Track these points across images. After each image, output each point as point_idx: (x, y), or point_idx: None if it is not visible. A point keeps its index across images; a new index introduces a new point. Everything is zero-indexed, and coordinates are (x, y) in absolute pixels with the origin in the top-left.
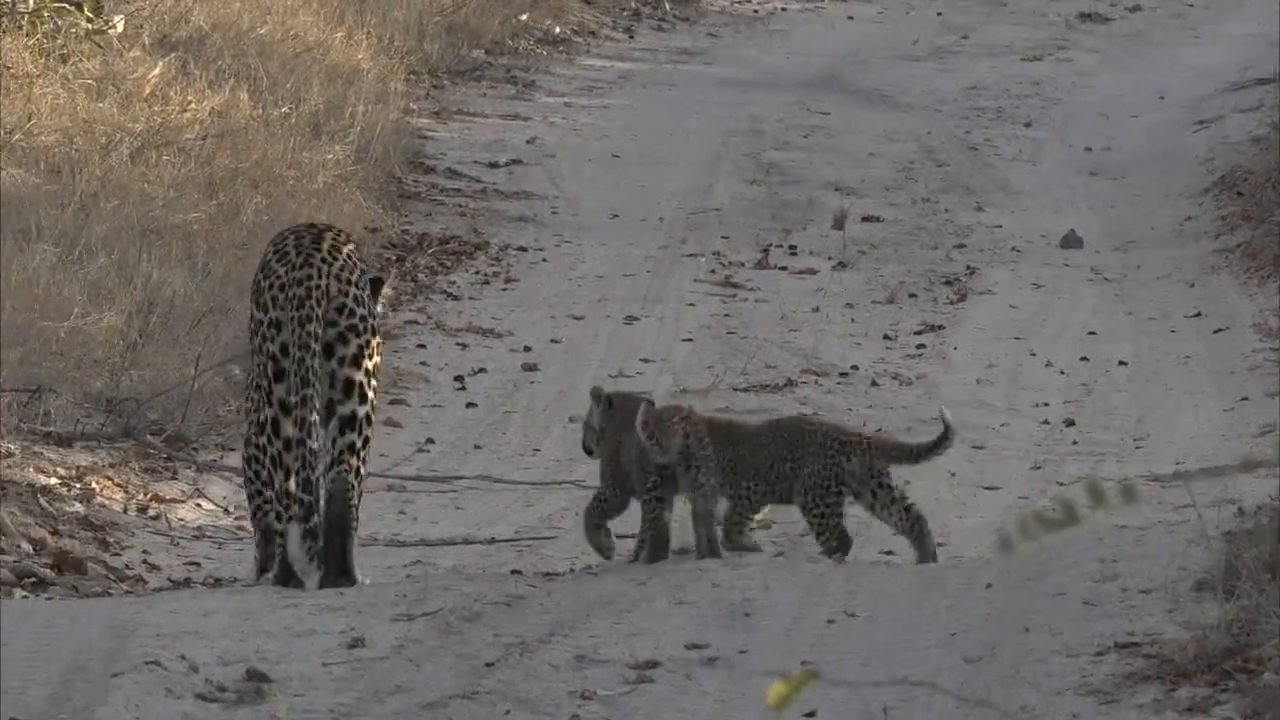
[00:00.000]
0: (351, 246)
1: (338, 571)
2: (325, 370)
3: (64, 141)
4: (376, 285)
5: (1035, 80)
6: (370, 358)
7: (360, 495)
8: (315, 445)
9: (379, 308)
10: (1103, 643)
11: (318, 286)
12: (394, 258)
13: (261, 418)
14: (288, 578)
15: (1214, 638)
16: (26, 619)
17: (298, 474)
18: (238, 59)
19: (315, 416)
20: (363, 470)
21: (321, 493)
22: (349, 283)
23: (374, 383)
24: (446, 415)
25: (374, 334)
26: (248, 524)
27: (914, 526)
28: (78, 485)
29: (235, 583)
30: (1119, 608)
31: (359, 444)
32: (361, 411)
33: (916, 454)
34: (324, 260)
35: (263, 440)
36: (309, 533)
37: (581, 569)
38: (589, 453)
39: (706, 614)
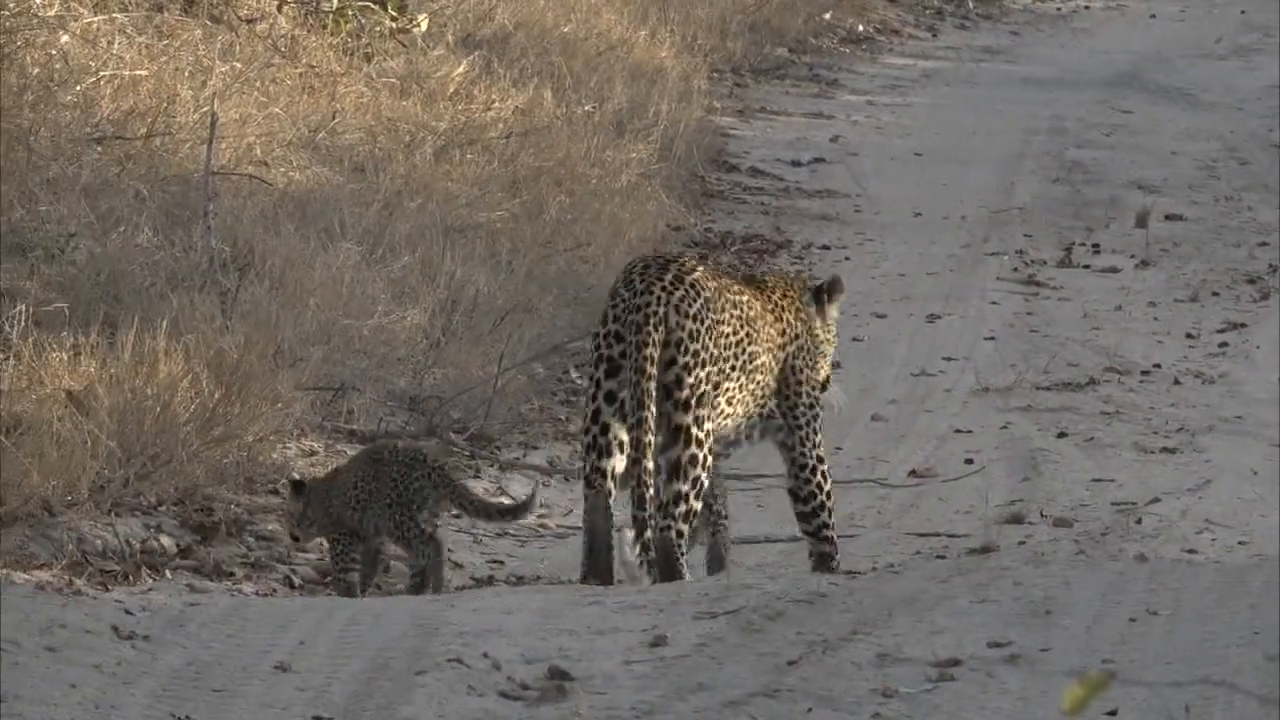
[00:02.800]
0: (697, 274)
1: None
2: (663, 410)
3: (368, 140)
4: (818, 295)
5: None
6: (705, 405)
7: (683, 535)
8: (649, 464)
9: (831, 316)
10: None
11: (655, 314)
12: (698, 256)
13: (585, 411)
14: (593, 574)
15: None
16: (330, 616)
17: (633, 491)
18: (541, 57)
19: (650, 438)
20: (688, 523)
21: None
22: (688, 317)
23: (812, 403)
24: None
25: (726, 372)
26: (550, 521)
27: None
28: None
29: (538, 580)
30: None
31: (686, 491)
32: (686, 455)
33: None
34: (665, 289)
35: (583, 428)
36: (644, 546)
37: (884, 567)
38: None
39: (1008, 612)
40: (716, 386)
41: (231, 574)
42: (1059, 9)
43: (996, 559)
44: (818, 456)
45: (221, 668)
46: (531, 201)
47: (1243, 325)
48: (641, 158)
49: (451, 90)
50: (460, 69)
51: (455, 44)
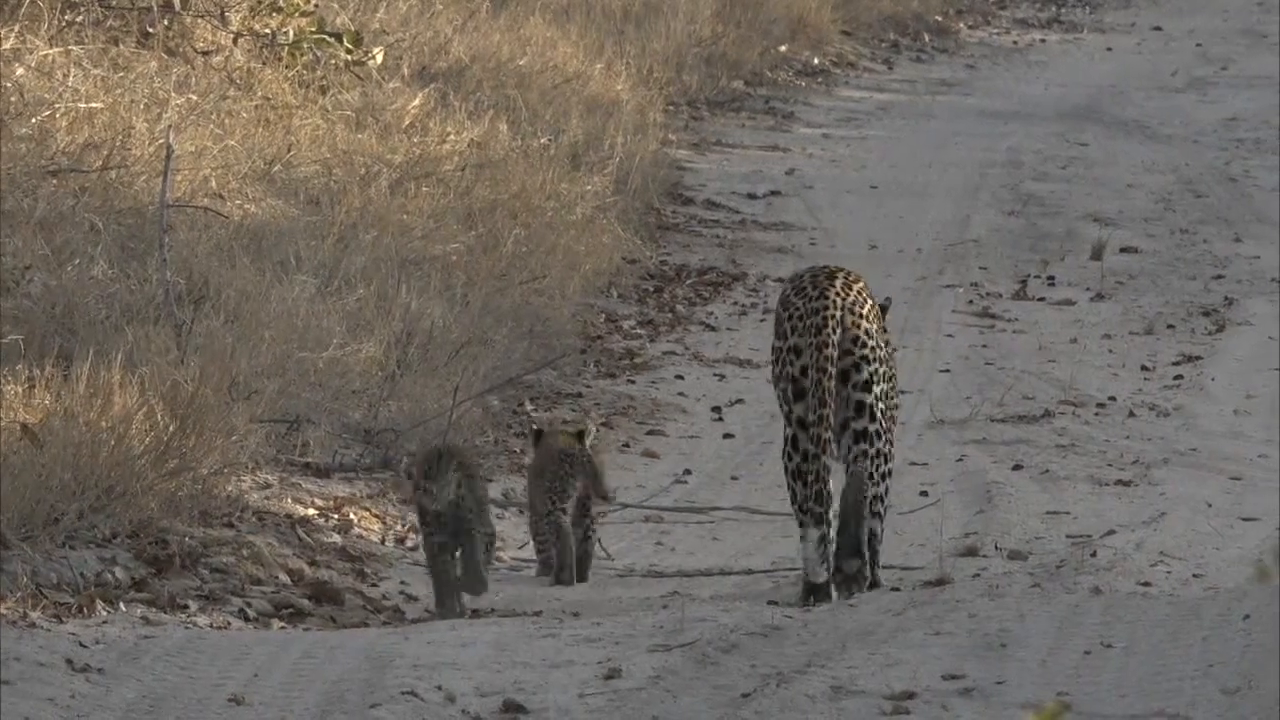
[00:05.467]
0: (861, 284)
1: (850, 551)
2: (841, 395)
3: (323, 172)
4: (883, 311)
5: None
6: (880, 383)
7: (879, 496)
8: (829, 461)
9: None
10: None
11: (833, 316)
12: (653, 288)
13: (785, 435)
14: (810, 589)
15: None
16: (285, 650)
17: (810, 485)
18: (497, 90)
19: (829, 434)
20: (881, 470)
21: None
22: (861, 316)
23: (893, 400)
24: (704, 446)
25: (884, 362)
26: (505, 555)
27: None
28: (335, 516)
29: (493, 613)
30: None
31: (872, 452)
32: (873, 428)
33: None
34: (838, 294)
35: (785, 456)
36: (821, 539)
37: (838, 600)
38: None
39: (963, 645)
40: (879, 382)
41: (186, 606)
42: (1015, 42)
43: (951, 591)
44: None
45: (176, 700)
46: (487, 234)
47: (1198, 358)
48: (597, 190)
49: (407, 123)
50: (416, 101)
51: (411, 77)
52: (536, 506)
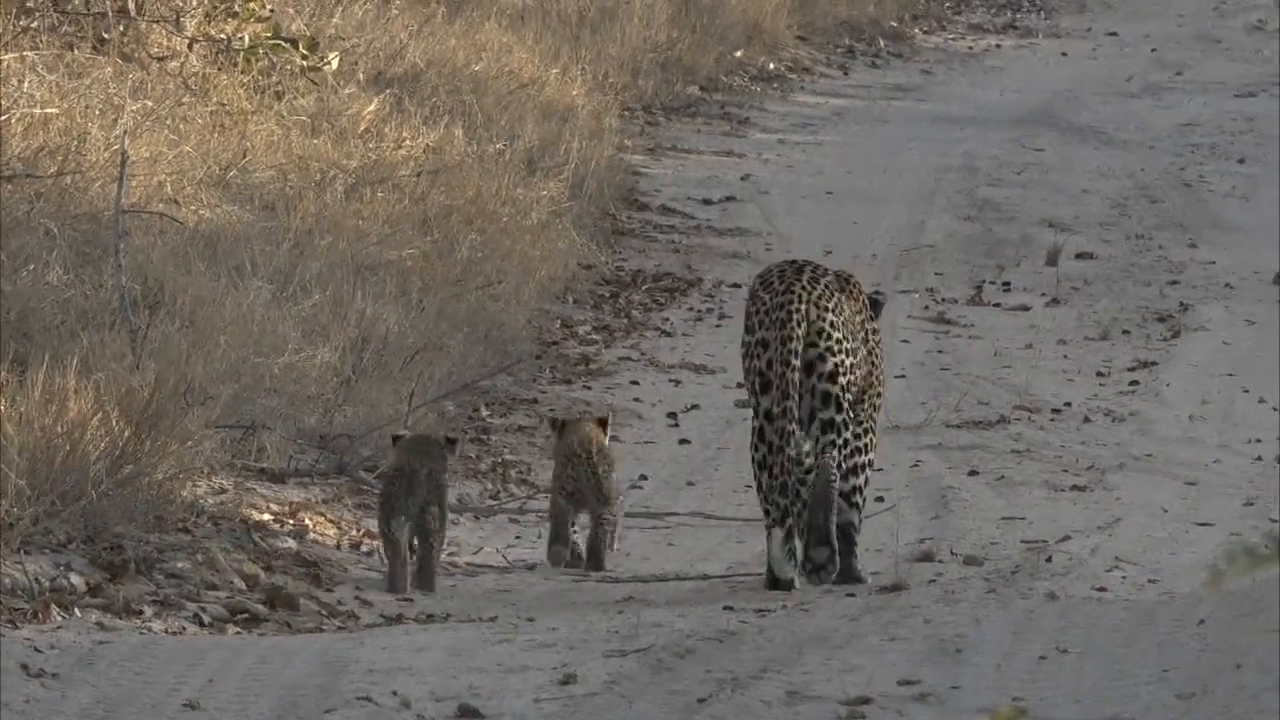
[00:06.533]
0: (830, 278)
1: (819, 539)
2: (807, 385)
3: (279, 178)
4: (876, 305)
5: (1250, 116)
6: (847, 374)
7: (857, 488)
8: (793, 453)
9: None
10: None
11: (797, 310)
12: (608, 294)
13: (753, 427)
14: (774, 582)
15: None
16: (240, 655)
17: (775, 477)
18: (452, 95)
19: (794, 427)
20: (853, 462)
21: (804, 491)
22: (827, 309)
23: (876, 390)
24: (659, 452)
25: (853, 354)
26: (459, 559)
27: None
28: (291, 521)
29: (448, 618)
30: None
31: (839, 442)
32: (839, 418)
33: None
34: (804, 287)
35: (753, 448)
36: (787, 534)
37: (794, 605)
38: None
39: (918, 650)
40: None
41: (141, 612)
42: (970, 47)
43: (907, 597)
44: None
45: (131, 706)
46: (442, 239)
47: (1153, 363)
48: (552, 196)
49: (362, 128)
50: (371, 107)
51: (366, 82)
52: (555, 497)
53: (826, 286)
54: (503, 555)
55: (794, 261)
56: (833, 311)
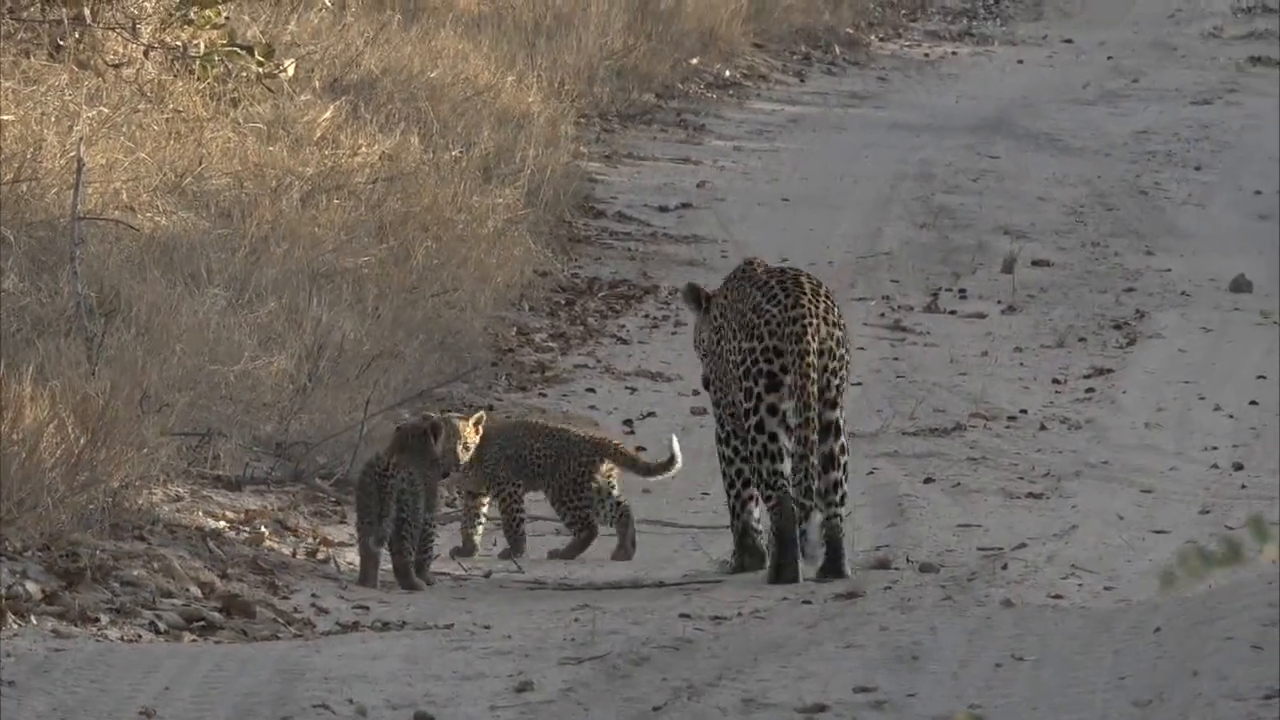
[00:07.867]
0: (825, 288)
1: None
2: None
3: (234, 185)
4: None
5: (1205, 124)
6: (844, 391)
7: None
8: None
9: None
10: (1271, 687)
11: (811, 324)
12: (564, 301)
13: (748, 423)
14: (779, 573)
15: None
16: (196, 662)
17: (776, 460)
18: (408, 103)
19: (814, 435)
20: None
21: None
22: (835, 325)
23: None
24: None
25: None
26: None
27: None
28: (246, 529)
29: (404, 626)
30: None
31: (843, 480)
32: (838, 446)
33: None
34: (810, 301)
35: (749, 440)
36: (824, 520)
37: (750, 612)
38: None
39: (874, 657)
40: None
41: (97, 619)
42: (926, 55)
43: (863, 604)
44: None
45: (87, 714)
46: (398, 247)
47: (1109, 371)
48: (508, 203)
49: (318, 135)
50: (327, 114)
51: (322, 89)
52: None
53: (830, 299)
54: (458, 562)
55: (785, 271)
56: (839, 326)
